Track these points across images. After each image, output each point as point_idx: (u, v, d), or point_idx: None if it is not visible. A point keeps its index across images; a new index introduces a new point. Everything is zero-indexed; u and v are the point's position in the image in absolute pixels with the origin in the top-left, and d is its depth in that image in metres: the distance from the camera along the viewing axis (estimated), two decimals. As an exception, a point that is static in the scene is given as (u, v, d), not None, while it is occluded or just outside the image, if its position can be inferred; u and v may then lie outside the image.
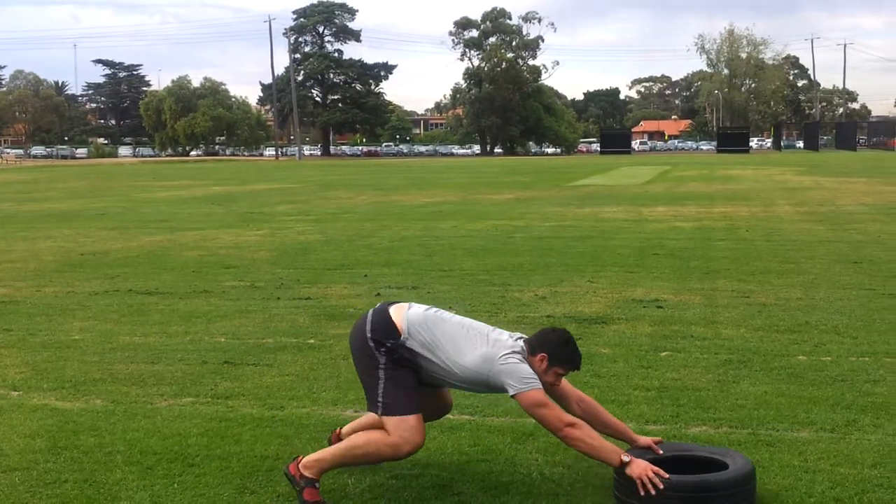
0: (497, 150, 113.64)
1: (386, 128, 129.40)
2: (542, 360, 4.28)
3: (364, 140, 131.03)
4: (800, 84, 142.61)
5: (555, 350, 4.30)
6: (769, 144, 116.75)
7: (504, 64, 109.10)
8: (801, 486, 4.37)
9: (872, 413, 5.48)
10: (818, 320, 8.20)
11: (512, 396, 4.21)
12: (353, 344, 4.49)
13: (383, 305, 4.49)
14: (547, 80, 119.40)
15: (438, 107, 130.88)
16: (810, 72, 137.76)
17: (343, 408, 5.77)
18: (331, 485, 4.47)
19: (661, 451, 4.34)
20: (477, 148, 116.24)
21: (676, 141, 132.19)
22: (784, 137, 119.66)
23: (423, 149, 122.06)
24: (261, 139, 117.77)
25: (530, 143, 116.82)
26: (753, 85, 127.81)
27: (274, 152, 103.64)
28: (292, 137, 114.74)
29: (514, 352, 4.25)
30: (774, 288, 10.00)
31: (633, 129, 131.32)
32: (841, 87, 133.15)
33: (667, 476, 4.03)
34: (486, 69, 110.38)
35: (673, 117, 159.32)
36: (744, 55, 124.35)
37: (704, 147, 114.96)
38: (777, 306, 8.93)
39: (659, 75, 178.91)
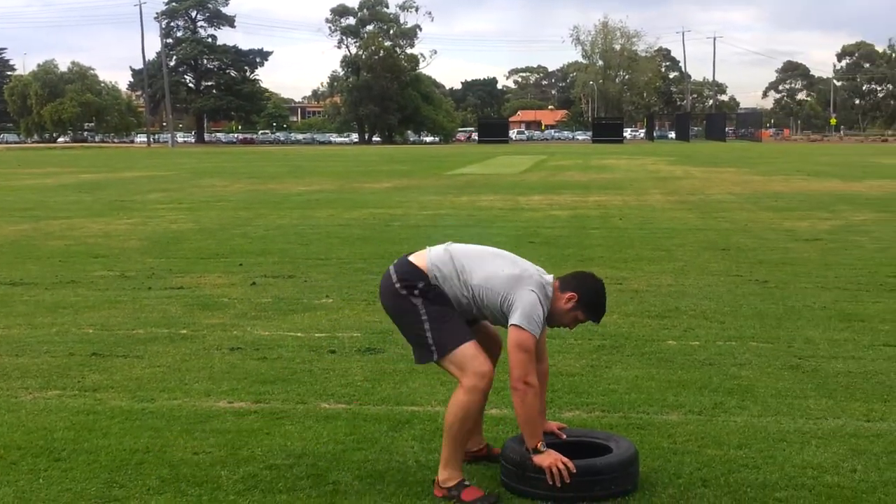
0: (375, 138, 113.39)
1: (262, 115, 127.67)
2: (570, 300, 4.21)
3: (239, 127, 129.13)
4: (671, 76, 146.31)
5: (587, 295, 4.24)
6: (642, 135, 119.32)
7: (382, 52, 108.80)
8: (670, 467, 4.46)
9: (738, 395, 5.64)
10: (688, 306, 8.40)
11: (510, 324, 4.08)
12: (385, 302, 4.36)
13: (403, 258, 4.39)
14: (425, 69, 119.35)
15: (316, 95, 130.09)
16: (682, 64, 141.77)
17: (216, 399, 5.65)
18: (203, 477, 4.38)
19: (564, 437, 4.38)
20: (355, 136, 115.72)
21: (553, 131, 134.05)
22: (657, 128, 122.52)
23: (300, 137, 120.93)
24: (132, 126, 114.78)
25: (409, 131, 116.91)
26: (627, 76, 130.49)
27: (145, 139, 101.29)
28: (164, 124, 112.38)
29: (536, 288, 4.13)
30: (646, 274, 10.22)
31: (510, 119, 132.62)
32: (711, 79, 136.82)
33: (574, 470, 4.03)
34: (363, 57, 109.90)
35: (550, 107, 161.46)
36: (618, 47, 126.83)
37: (580, 137, 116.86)
38: (648, 292, 9.13)
39: (536, 66, 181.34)
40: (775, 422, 5.14)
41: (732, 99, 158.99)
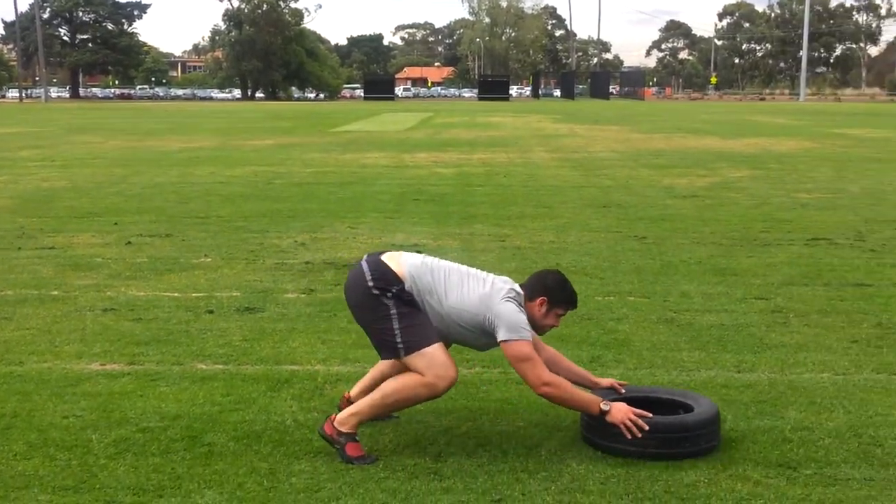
0: (259, 94, 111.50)
1: (140, 70, 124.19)
2: (541, 304, 4.22)
3: (116, 82, 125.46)
4: (557, 34, 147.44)
5: (553, 293, 4.25)
6: (528, 93, 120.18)
7: (265, 6, 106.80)
8: (549, 420, 4.51)
9: (615, 349, 5.73)
10: (569, 262, 8.49)
11: (500, 342, 4.09)
12: (352, 299, 4.28)
13: (374, 256, 4.31)
14: (310, 23, 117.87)
15: (197, 49, 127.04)
16: (567, 22, 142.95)
17: (88, 361, 5.49)
18: (72, 441, 4.25)
19: (623, 391, 4.37)
20: (237, 92, 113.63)
21: (440, 88, 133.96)
22: (542, 86, 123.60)
23: (180, 92, 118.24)
24: (3, 80, 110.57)
25: (293, 88, 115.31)
26: (514, 34, 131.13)
27: (17, 94, 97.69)
28: (38, 79, 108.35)
29: (511, 296, 4.14)
30: (529, 231, 10.30)
31: (396, 76, 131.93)
32: (596, 37, 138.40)
33: (650, 415, 4.05)
34: (246, 11, 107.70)
35: (436, 64, 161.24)
36: (504, 4, 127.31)
37: (467, 94, 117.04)
38: (531, 249, 9.20)
39: (423, 22, 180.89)
40: (650, 374, 5.24)
41: (617, 58, 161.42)
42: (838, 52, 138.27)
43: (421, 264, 4.23)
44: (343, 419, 4.13)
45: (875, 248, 9.28)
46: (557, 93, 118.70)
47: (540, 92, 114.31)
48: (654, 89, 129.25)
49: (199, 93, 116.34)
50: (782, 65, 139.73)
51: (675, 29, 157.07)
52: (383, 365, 4.46)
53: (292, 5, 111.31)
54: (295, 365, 5.43)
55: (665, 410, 4.24)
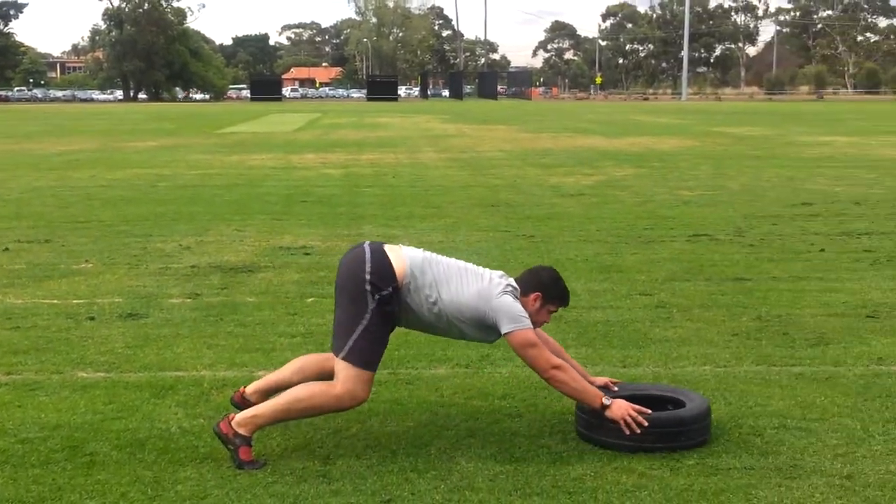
0: (142, 95, 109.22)
1: (17, 71, 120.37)
2: (535, 300, 4.26)
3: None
4: (445, 34, 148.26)
5: (548, 288, 4.29)
6: (417, 93, 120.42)
7: (146, 5, 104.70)
8: (438, 420, 4.51)
9: (504, 348, 5.70)
10: (457, 261, 8.51)
11: (504, 335, 4.11)
12: (343, 279, 4.18)
13: (377, 245, 4.24)
14: (193, 23, 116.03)
15: (76, 49, 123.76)
16: (454, 22, 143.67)
17: (-38, 373, 5.29)
18: (-55, 458, 4.08)
19: (616, 389, 4.36)
20: (119, 93, 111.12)
21: (327, 88, 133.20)
22: (431, 86, 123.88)
23: (60, 94, 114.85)
24: None
25: (177, 88, 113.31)
26: (401, 34, 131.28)
27: None
28: None
29: (508, 290, 4.17)
30: (418, 231, 10.31)
31: (283, 76, 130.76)
32: (483, 38, 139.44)
33: (649, 412, 4.09)
34: (126, 10, 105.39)
35: (324, 64, 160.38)
36: (391, 4, 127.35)
37: (355, 95, 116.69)
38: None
39: (309, 22, 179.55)
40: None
41: (504, 58, 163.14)
42: (718, 52, 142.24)
43: (422, 260, 4.21)
44: (243, 420, 4.05)
45: (753, 242, 9.55)
46: (446, 93, 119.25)
47: (428, 92, 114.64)
48: (540, 89, 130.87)
49: (80, 94, 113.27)
50: (665, 65, 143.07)
51: (560, 30, 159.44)
52: (290, 372, 4.40)
53: (175, 4, 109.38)
54: (180, 371, 5.33)
55: (655, 406, 4.29)
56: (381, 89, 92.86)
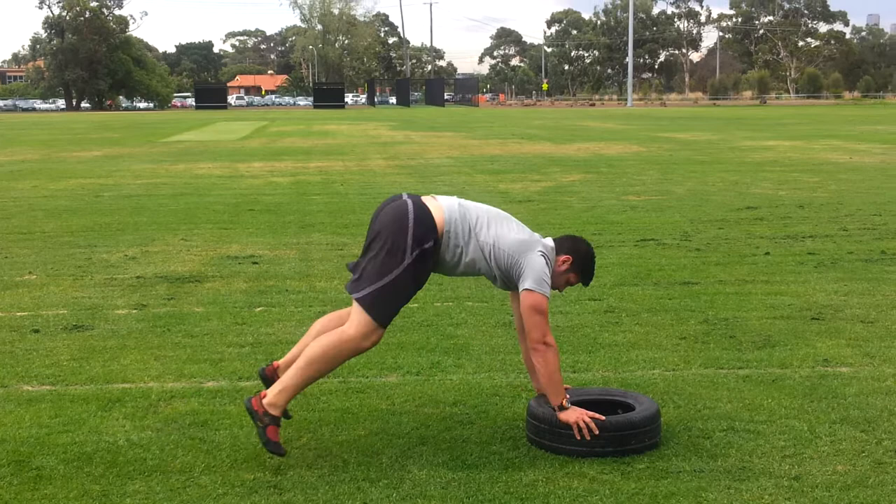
0: (85, 104, 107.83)
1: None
2: (564, 262, 4.32)
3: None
4: (391, 41, 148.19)
5: (582, 259, 4.37)
6: (364, 100, 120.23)
7: (87, 13, 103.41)
8: (390, 428, 4.50)
9: (454, 354, 5.77)
10: (406, 268, 8.50)
11: (522, 289, 4.14)
12: (382, 224, 4.16)
13: (416, 197, 4.25)
14: (136, 31, 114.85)
15: (17, 58, 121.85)
16: (400, 29, 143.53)
17: None
18: None
19: (568, 396, 4.31)
20: (62, 102, 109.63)
21: (274, 96, 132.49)
22: (378, 93, 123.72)
23: (0, 104, 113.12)
24: None
25: (121, 97, 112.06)
26: (347, 41, 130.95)
27: None
28: None
29: (545, 252, 4.23)
30: (366, 239, 10.26)
31: (229, 84, 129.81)
32: (429, 44, 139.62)
33: (603, 419, 4.11)
34: (67, 19, 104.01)
35: (269, 72, 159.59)
36: (336, 11, 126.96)
37: (302, 102, 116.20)
38: (368, 257, 9.16)
39: (254, 29, 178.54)
40: (489, 378, 5.29)
41: (450, 65, 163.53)
42: (662, 58, 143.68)
43: (458, 206, 4.26)
44: (273, 399, 4.06)
45: (700, 247, 9.65)
46: (393, 100, 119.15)
47: (376, 99, 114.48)
48: (488, 96, 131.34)
49: (21, 103, 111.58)
50: (610, 71, 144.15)
51: (505, 36, 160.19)
52: (316, 332, 4.37)
53: (117, 12, 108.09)
54: (127, 383, 5.26)
55: (605, 410, 4.31)
56: (328, 96, 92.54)
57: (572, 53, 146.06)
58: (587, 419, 4.11)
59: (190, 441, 4.35)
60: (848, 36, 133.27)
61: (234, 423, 4.58)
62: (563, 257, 4.33)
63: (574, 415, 4.13)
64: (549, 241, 4.36)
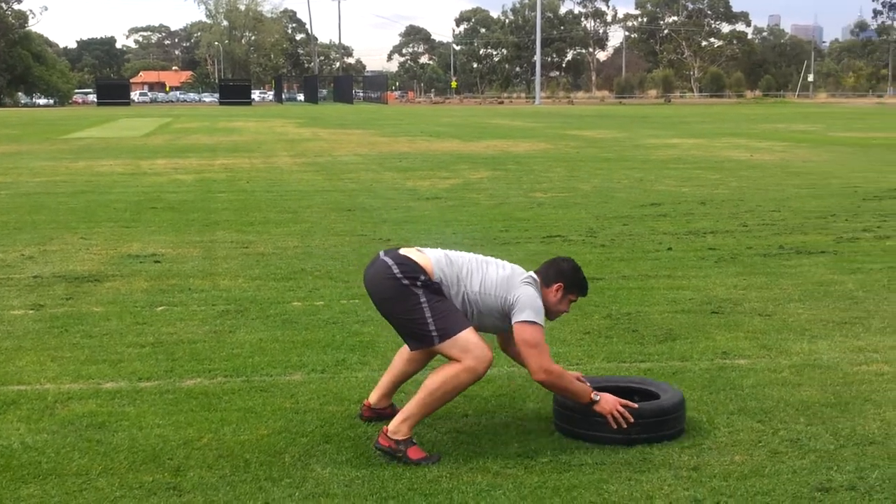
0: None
1: None
2: (557, 290, 4.34)
3: None
4: (298, 38, 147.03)
5: (570, 279, 4.38)
6: (271, 97, 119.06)
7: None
8: (293, 427, 4.45)
9: (360, 352, 5.74)
10: (313, 266, 8.45)
11: (514, 322, 4.17)
12: (379, 293, 4.23)
13: (392, 251, 4.31)
14: (35, 26, 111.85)
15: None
16: (308, 26, 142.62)
17: None
18: None
19: (587, 383, 4.36)
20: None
21: (178, 92, 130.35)
22: (285, 90, 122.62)
23: None
24: None
25: (20, 93, 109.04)
26: (253, 37, 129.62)
27: None
28: None
29: (529, 281, 4.27)
30: (273, 237, 10.18)
31: (132, 80, 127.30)
32: (337, 41, 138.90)
33: (636, 406, 4.20)
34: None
35: (174, 68, 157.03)
36: (242, 7, 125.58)
37: (207, 99, 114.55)
38: (275, 255, 9.09)
39: (158, 24, 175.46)
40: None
41: (359, 62, 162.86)
42: (569, 56, 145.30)
43: (444, 256, 4.30)
44: (395, 428, 4.10)
45: (605, 243, 9.77)
46: (301, 97, 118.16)
47: (283, 96, 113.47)
48: (397, 93, 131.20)
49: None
50: (518, 69, 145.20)
51: (414, 34, 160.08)
52: (400, 364, 4.54)
53: (16, 7, 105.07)
54: (22, 385, 5.11)
55: (625, 397, 4.38)
56: (235, 93, 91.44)
57: (481, 52, 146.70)
58: (620, 408, 4.21)
59: (87, 443, 4.25)
60: (750, 36, 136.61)
61: (133, 424, 4.49)
62: (554, 287, 4.36)
63: (608, 406, 4.21)
64: (531, 272, 4.38)
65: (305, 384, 5.10)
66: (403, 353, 4.56)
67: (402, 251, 4.30)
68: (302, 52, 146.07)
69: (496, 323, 4.33)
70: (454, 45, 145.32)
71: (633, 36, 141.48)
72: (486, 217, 11.75)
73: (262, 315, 6.66)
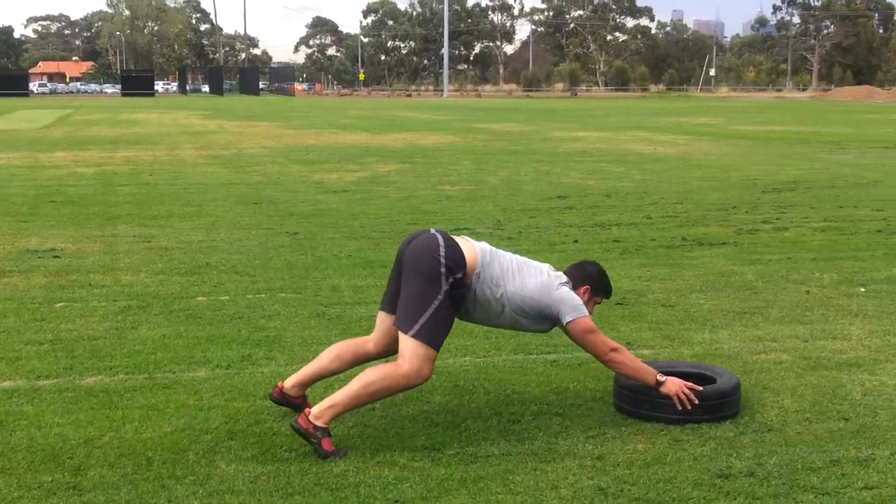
0: None
1: None
2: (585, 293, 4.50)
3: None
4: (203, 28, 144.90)
5: (596, 281, 4.56)
6: (175, 88, 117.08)
7: None
8: (197, 423, 4.38)
9: (266, 347, 5.68)
10: (218, 261, 8.34)
11: (566, 324, 4.30)
12: (413, 260, 4.23)
13: (444, 233, 4.34)
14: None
15: None
16: (212, 16, 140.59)
17: None
18: None
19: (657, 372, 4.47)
20: None
21: (79, 83, 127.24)
22: (190, 81, 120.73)
23: None
24: None
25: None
26: (156, 27, 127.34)
27: None
28: None
29: (564, 282, 4.42)
30: (176, 231, 10.01)
31: (30, 71, 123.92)
32: (243, 32, 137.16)
33: (700, 389, 4.37)
34: None
35: (74, 59, 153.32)
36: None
37: (109, 90, 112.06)
38: (178, 249, 8.94)
39: (57, 14, 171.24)
40: (300, 369, 5.22)
41: (265, 53, 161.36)
42: (477, 49, 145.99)
43: (489, 252, 4.37)
44: (319, 412, 4.09)
45: (512, 235, 9.84)
46: (206, 88, 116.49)
47: (188, 87, 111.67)
48: (304, 85, 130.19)
49: None
50: (426, 62, 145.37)
51: (321, 25, 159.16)
52: (327, 361, 4.51)
53: None
54: (-87, 386, 4.94)
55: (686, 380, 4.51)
56: (137, 84, 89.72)
57: (388, 44, 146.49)
58: (686, 391, 4.35)
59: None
60: (654, 31, 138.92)
61: (31, 423, 4.37)
62: (581, 289, 4.51)
63: (675, 387, 4.36)
64: (563, 275, 4.51)
65: (210, 380, 5.02)
66: (332, 350, 4.57)
67: (457, 240, 4.35)
68: (207, 42, 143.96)
69: (528, 322, 4.42)
70: (362, 37, 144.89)
71: (539, 30, 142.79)
72: (394, 210, 11.74)
73: (166, 310, 6.55)
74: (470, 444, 4.16)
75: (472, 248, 4.32)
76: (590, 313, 4.49)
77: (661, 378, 4.40)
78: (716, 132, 29.72)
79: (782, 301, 6.97)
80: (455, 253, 4.23)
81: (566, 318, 4.31)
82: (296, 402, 4.49)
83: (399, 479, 3.80)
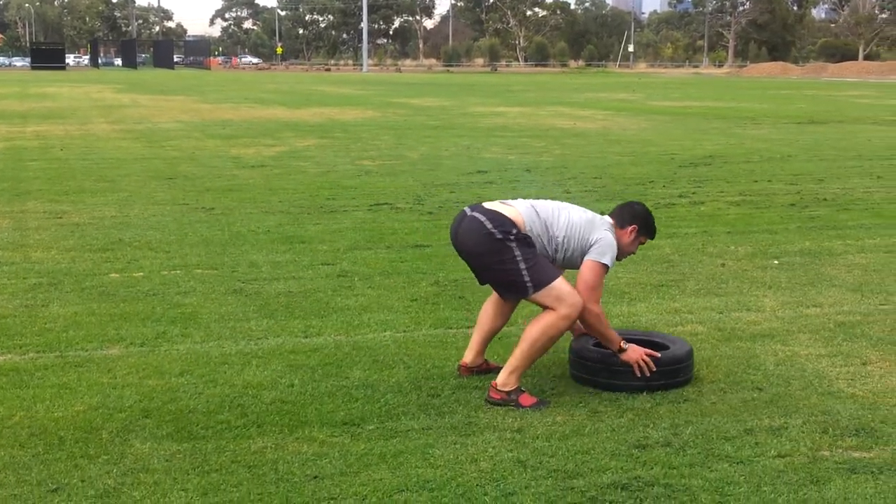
0: None
1: None
2: (632, 232, 4.63)
3: None
4: (115, 0, 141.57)
5: (644, 221, 4.67)
6: (87, 61, 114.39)
7: None
8: (110, 402, 4.30)
9: (181, 324, 5.58)
10: (132, 237, 8.18)
11: (587, 258, 4.43)
12: (472, 246, 4.44)
13: (479, 206, 4.52)
14: None
15: None
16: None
17: None
18: None
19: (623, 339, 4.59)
20: None
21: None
22: (102, 55, 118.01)
23: None
24: None
25: None
26: (67, 0, 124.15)
27: None
28: None
29: (608, 228, 4.55)
30: (88, 207, 9.79)
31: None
32: (157, 4, 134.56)
33: (658, 356, 4.47)
34: None
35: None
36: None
37: (18, 63, 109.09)
38: (91, 225, 8.75)
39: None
40: (217, 346, 5.16)
41: (180, 26, 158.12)
42: (397, 24, 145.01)
43: (531, 207, 4.55)
44: (504, 381, 4.33)
45: (432, 210, 9.81)
46: (119, 62, 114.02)
47: (100, 61, 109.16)
48: (220, 59, 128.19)
49: None
50: (345, 36, 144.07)
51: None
52: (487, 321, 4.73)
53: None
54: None
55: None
56: (47, 57, 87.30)
57: (307, 17, 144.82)
58: (646, 358, 4.45)
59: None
60: (573, 7, 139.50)
61: (-64, 405, 4.24)
62: (629, 228, 4.63)
63: (635, 354, 4.46)
64: (609, 219, 4.64)
65: (123, 358, 4.93)
66: (488, 310, 4.77)
67: (488, 205, 4.51)
68: (119, 15, 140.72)
69: (574, 260, 4.55)
70: (279, 11, 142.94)
71: (459, 4, 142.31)
72: (313, 185, 11.62)
73: (77, 288, 6.40)
74: (389, 419, 4.14)
75: (515, 210, 4.49)
76: (633, 252, 4.74)
77: (624, 345, 4.51)
78: (634, 108, 30.02)
79: (698, 274, 7.07)
80: (500, 220, 4.40)
81: (590, 255, 4.45)
82: (483, 369, 4.72)
83: (318, 454, 3.77)
